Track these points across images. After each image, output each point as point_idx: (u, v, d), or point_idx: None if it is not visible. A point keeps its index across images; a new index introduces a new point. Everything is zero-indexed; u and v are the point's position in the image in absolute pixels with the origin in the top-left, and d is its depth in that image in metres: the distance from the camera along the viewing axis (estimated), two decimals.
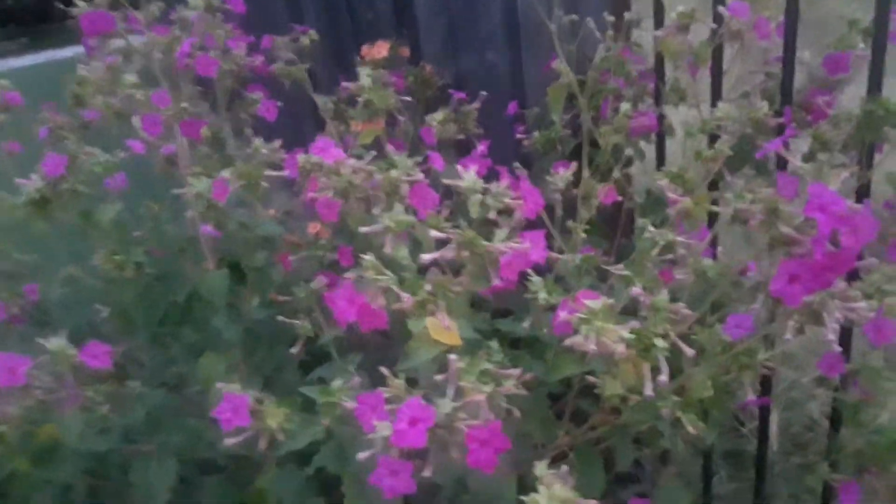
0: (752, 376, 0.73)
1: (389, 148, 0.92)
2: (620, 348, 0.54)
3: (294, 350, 0.92)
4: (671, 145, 1.20)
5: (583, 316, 0.59)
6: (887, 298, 0.76)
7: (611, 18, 1.05)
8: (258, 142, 0.86)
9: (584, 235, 0.85)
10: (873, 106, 0.77)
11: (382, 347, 1.05)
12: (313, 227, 1.18)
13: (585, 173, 1.01)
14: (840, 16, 0.97)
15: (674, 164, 1.21)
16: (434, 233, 0.60)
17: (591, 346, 0.56)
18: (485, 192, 0.65)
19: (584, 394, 0.81)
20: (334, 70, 1.72)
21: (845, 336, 0.93)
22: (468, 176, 0.65)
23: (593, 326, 0.58)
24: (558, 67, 1.05)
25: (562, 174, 0.92)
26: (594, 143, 1.10)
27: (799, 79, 1.03)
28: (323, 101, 1.22)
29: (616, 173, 0.99)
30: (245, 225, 0.91)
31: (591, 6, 1.16)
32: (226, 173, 0.80)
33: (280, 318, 0.92)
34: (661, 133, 1.14)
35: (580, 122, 1.14)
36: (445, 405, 0.57)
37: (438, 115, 1.03)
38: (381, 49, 1.46)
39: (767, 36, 0.90)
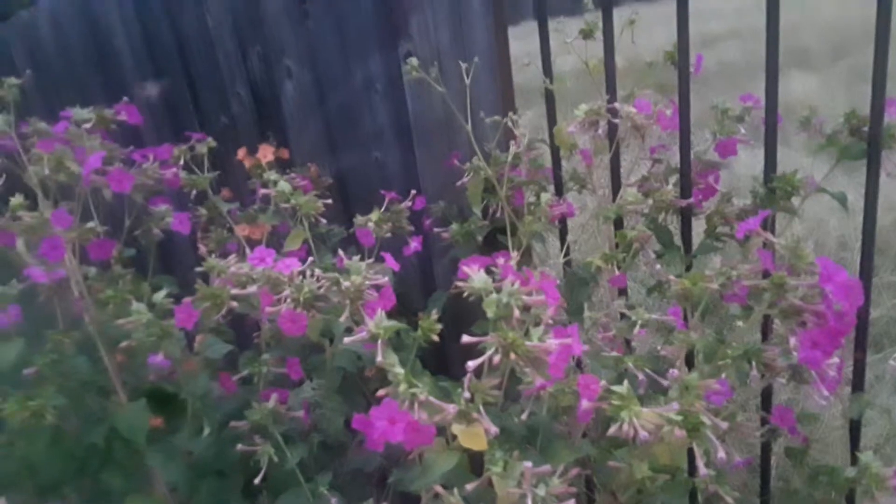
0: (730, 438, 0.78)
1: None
2: (677, 432, 0.56)
3: (257, 480, 0.84)
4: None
5: (616, 402, 0.61)
6: None
7: (515, 118, 1.12)
8: (212, 259, 0.79)
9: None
10: (779, 183, 0.89)
11: (348, 461, 0.99)
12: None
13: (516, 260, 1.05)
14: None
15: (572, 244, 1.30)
16: (466, 337, 0.59)
17: (643, 433, 0.58)
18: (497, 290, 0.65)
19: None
20: None
21: (766, 389, 1.03)
22: (478, 276, 0.65)
23: (632, 412, 0.60)
24: (476, 164, 1.09)
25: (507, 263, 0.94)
26: (507, 231, 1.15)
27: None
28: (222, 207, 1.16)
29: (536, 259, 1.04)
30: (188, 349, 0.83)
31: (485, 105, 1.23)
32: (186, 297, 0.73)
33: (239, 446, 0.83)
34: (564, 218, 1.22)
35: (490, 213, 1.19)
36: None
37: (373, 216, 1.02)
38: (266, 153, 1.42)
39: (668, 126, 1.01)
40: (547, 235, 1.29)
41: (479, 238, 1.17)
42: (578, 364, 1.12)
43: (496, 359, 0.58)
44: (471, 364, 0.58)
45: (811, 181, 0.94)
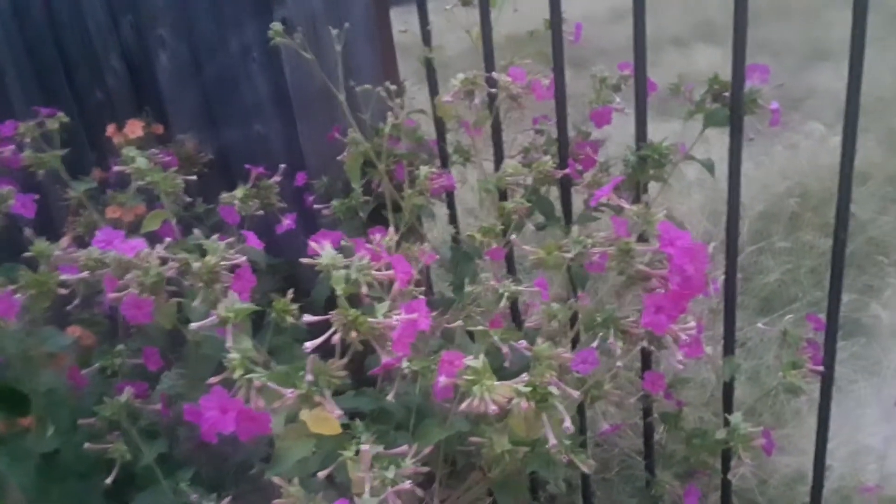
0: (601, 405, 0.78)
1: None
2: (523, 404, 0.55)
3: (108, 480, 0.78)
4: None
5: (469, 377, 0.59)
6: None
7: (393, 87, 1.08)
8: (40, 242, 0.73)
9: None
10: (648, 151, 0.88)
11: (214, 455, 0.95)
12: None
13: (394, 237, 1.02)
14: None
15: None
16: (308, 317, 0.56)
17: (492, 407, 0.56)
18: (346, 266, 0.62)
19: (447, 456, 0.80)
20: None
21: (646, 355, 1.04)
22: (326, 251, 0.61)
23: (484, 386, 0.58)
24: (353, 136, 1.05)
25: (384, 240, 0.91)
26: (394, 207, 1.12)
27: None
28: (78, 188, 1.08)
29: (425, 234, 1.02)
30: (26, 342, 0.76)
31: (365, 75, 1.19)
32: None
33: (87, 444, 0.78)
34: (451, 192, 1.20)
35: (373, 188, 1.16)
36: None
37: (238, 192, 0.96)
38: (134, 128, 1.34)
39: (544, 96, 0.99)
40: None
41: (363, 215, 1.14)
42: None
43: (336, 336, 0.54)
44: (308, 345, 0.55)
45: (682, 148, 0.94)
